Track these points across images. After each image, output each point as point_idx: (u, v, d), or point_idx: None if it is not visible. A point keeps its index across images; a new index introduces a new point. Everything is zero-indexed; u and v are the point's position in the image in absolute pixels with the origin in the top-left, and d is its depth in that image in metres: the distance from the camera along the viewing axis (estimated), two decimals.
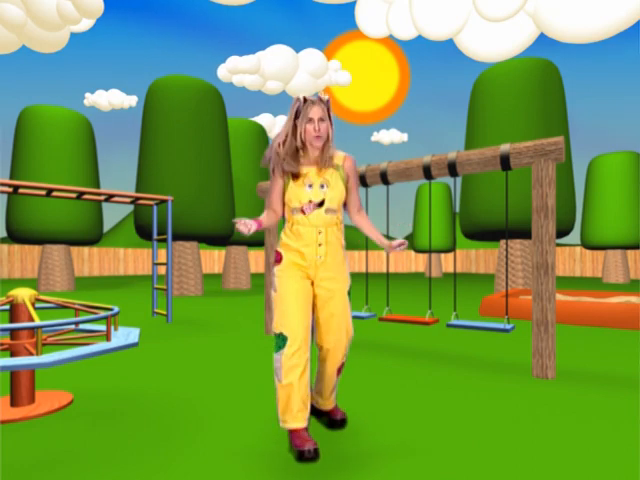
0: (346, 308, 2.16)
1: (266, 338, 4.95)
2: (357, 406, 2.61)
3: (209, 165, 10.97)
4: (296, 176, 2.08)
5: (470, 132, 10.85)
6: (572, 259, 23.76)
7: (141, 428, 2.26)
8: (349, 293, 2.21)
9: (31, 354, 2.40)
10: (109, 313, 2.58)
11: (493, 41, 13.44)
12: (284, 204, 2.19)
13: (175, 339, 4.88)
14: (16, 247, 22.00)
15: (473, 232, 10.68)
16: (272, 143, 2.17)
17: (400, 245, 2.15)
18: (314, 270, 2.10)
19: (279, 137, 2.13)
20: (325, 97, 2.08)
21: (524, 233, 9.99)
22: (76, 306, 2.64)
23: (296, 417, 1.97)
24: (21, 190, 9.94)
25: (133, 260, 27.46)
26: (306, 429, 2.01)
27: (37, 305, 3.11)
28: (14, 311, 2.53)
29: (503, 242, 10.77)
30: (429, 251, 4.61)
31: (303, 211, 2.06)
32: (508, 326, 3.32)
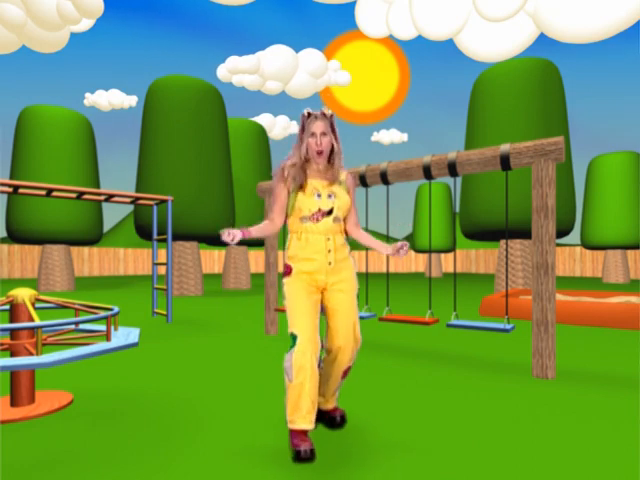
0: (355, 312, 2.19)
1: (266, 338, 4.95)
2: (357, 406, 2.61)
3: (209, 165, 10.97)
4: (303, 187, 2.14)
5: (470, 132, 10.85)
6: (572, 259, 23.76)
7: (141, 428, 2.26)
8: (357, 297, 2.24)
9: (31, 354, 2.40)
10: (109, 313, 2.58)
11: (493, 41, 13.45)
12: (286, 216, 2.24)
13: (175, 339, 4.88)
14: (16, 247, 22.00)
15: (473, 232, 10.68)
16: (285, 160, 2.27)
17: (402, 248, 2.15)
18: (324, 276, 2.14)
19: (291, 155, 2.25)
20: (329, 112, 2.15)
21: (524, 233, 9.99)
22: (76, 306, 2.64)
23: (305, 418, 1.98)
24: (21, 190, 9.94)
25: (133, 260, 27.46)
26: (307, 432, 2.01)
27: (37, 305, 3.11)
28: (14, 311, 2.53)
29: (503, 242, 10.77)
30: (429, 251, 4.61)
31: (314, 219, 2.11)
32: (508, 326, 3.32)
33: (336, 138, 2.17)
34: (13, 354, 2.49)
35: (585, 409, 2.55)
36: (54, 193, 6.19)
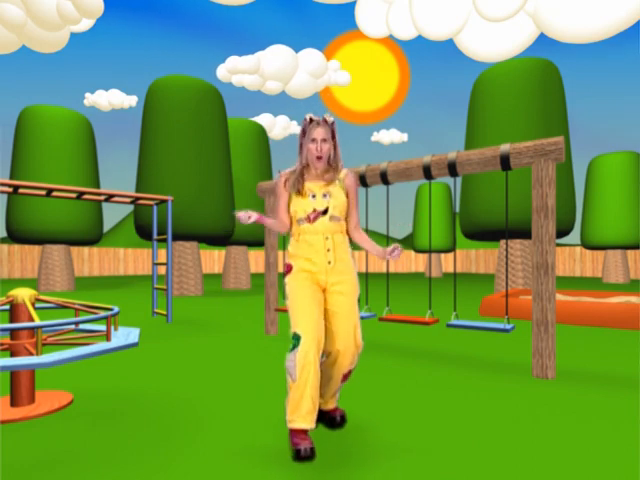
0: (355, 314, 2.18)
1: (266, 338, 4.95)
2: (357, 406, 2.61)
3: (209, 165, 10.97)
4: (300, 191, 2.18)
5: (470, 132, 10.85)
6: (572, 259, 23.76)
7: (141, 428, 2.26)
8: (358, 300, 2.23)
9: (31, 354, 2.40)
10: (109, 313, 2.58)
11: (493, 41, 13.44)
12: (291, 217, 2.26)
13: (175, 339, 4.88)
14: (16, 247, 22.00)
15: (473, 232, 10.68)
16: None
17: (394, 250, 2.12)
18: (325, 275, 2.15)
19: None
20: (330, 119, 2.18)
21: (524, 233, 9.99)
22: (76, 306, 2.64)
23: (305, 418, 1.97)
24: (21, 190, 9.94)
25: (133, 260, 27.46)
26: (306, 431, 2.01)
27: (37, 305, 3.11)
28: (14, 311, 2.53)
29: (503, 242, 10.77)
30: (429, 251, 4.61)
31: (309, 219, 2.13)
32: (508, 326, 3.32)
33: (335, 145, 2.21)
34: (13, 354, 2.49)
35: (585, 409, 2.55)
36: (54, 193, 6.19)
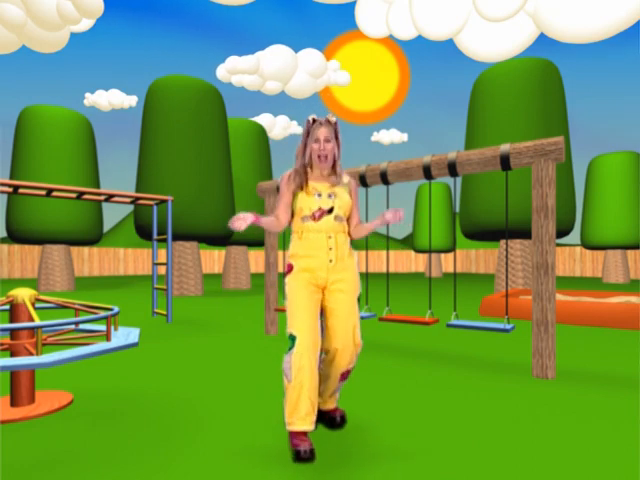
0: (355, 313, 2.18)
1: (266, 338, 4.95)
2: (357, 406, 2.61)
3: (209, 165, 10.97)
4: (304, 188, 2.18)
5: (470, 132, 10.85)
6: (572, 259, 23.77)
7: (141, 428, 2.26)
8: (358, 300, 2.24)
9: (31, 354, 2.40)
10: (109, 313, 2.58)
11: (493, 41, 13.44)
12: (292, 215, 2.26)
13: (175, 339, 4.88)
14: (16, 247, 22.00)
15: (473, 232, 10.68)
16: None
17: (395, 214, 2.13)
18: (325, 273, 2.14)
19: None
20: (333, 119, 2.19)
21: (524, 233, 9.99)
22: (76, 306, 2.64)
23: (304, 420, 1.97)
24: (21, 190, 9.94)
25: (133, 260, 27.46)
26: (306, 432, 2.00)
27: (37, 305, 3.11)
28: (14, 311, 2.53)
29: (503, 242, 10.77)
30: (429, 251, 4.61)
31: (314, 217, 2.14)
32: (508, 326, 3.32)
33: (339, 145, 2.22)
34: (13, 354, 2.49)
35: (585, 409, 2.55)
36: (54, 193, 6.19)
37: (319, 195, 2.16)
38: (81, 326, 2.96)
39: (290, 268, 2.18)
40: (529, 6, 12.21)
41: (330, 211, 2.16)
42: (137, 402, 2.68)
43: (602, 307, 5.82)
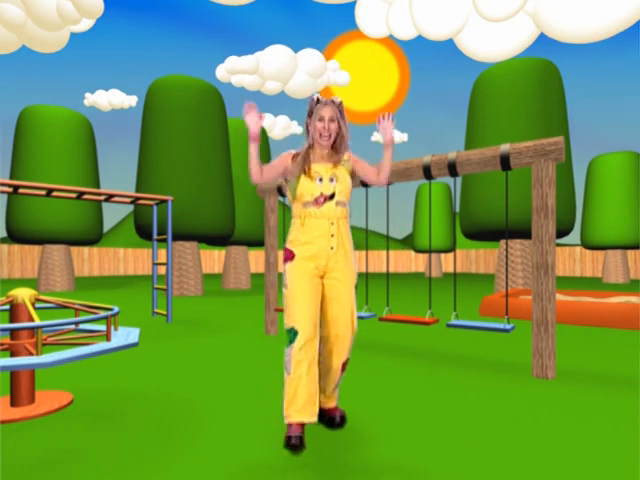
0: (352, 300, 2.21)
1: (266, 338, 4.95)
2: (357, 406, 2.61)
3: (209, 165, 10.97)
4: (306, 172, 2.16)
5: (470, 132, 10.85)
6: (572, 259, 23.76)
7: (141, 428, 2.26)
8: (355, 287, 2.25)
9: (31, 354, 2.40)
10: (109, 313, 2.58)
11: (493, 41, 13.44)
12: (293, 199, 2.23)
13: (175, 339, 4.88)
14: (16, 247, 22.00)
15: (473, 232, 10.68)
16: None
17: (384, 122, 2.16)
18: (325, 260, 2.14)
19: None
20: (338, 99, 2.18)
21: (524, 233, 9.98)
22: (76, 306, 2.64)
23: (301, 412, 1.99)
24: (21, 190, 9.94)
25: (133, 260, 27.46)
26: (302, 425, 2.02)
27: (37, 305, 3.11)
28: (14, 311, 2.53)
29: (503, 242, 10.77)
30: (429, 251, 4.61)
31: (316, 204, 2.12)
32: (508, 326, 3.32)
33: (344, 124, 2.20)
34: (13, 354, 2.49)
35: (585, 409, 2.55)
36: (54, 193, 6.19)
37: (320, 180, 2.15)
38: (81, 326, 2.96)
39: (290, 255, 2.15)
40: (529, 6, 12.21)
41: (332, 197, 2.14)
42: (137, 402, 2.68)
43: (602, 307, 5.82)
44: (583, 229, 16.91)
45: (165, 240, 6.73)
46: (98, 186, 13.09)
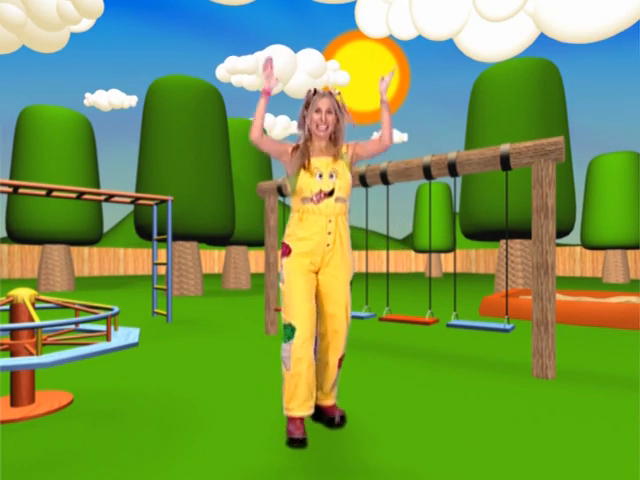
0: (348, 295, 2.23)
1: (266, 338, 4.95)
2: (357, 406, 2.61)
3: (209, 165, 10.97)
4: (306, 167, 2.15)
5: (470, 132, 10.85)
6: (572, 259, 23.76)
7: (141, 428, 2.26)
8: (351, 283, 2.26)
9: (31, 354, 2.40)
10: (109, 313, 2.58)
11: (493, 41, 13.44)
12: (292, 193, 2.21)
13: (175, 339, 4.88)
14: (16, 247, 22.00)
15: (473, 232, 10.68)
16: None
17: (383, 82, 2.17)
18: (321, 257, 2.15)
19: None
20: (335, 91, 2.17)
21: (524, 233, 9.98)
22: (76, 306, 2.64)
23: (301, 407, 2.03)
24: (21, 190, 9.94)
25: (133, 260, 27.46)
26: (302, 420, 2.05)
27: (37, 305, 3.11)
28: (14, 311, 2.53)
29: (503, 242, 10.77)
30: (429, 251, 4.62)
31: (315, 200, 2.12)
32: (508, 326, 3.32)
33: (342, 116, 2.18)
34: (13, 354, 2.49)
35: (585, 409, 2.55)
36: (54, 193, 6.19)
37: (320, 176, 2.13)
38: (81, 326, 2.96)
39: (287, 250, 2.15)
40: (529, 6, 12.21)
41: (331, 193, 2.14)
42: (137, 402, 2.68)
43: (602, 307, 5.82)
44: (583, 229, 16.91)
45: (165, 240, 6.73)
46: (98, 186, 13.09)
